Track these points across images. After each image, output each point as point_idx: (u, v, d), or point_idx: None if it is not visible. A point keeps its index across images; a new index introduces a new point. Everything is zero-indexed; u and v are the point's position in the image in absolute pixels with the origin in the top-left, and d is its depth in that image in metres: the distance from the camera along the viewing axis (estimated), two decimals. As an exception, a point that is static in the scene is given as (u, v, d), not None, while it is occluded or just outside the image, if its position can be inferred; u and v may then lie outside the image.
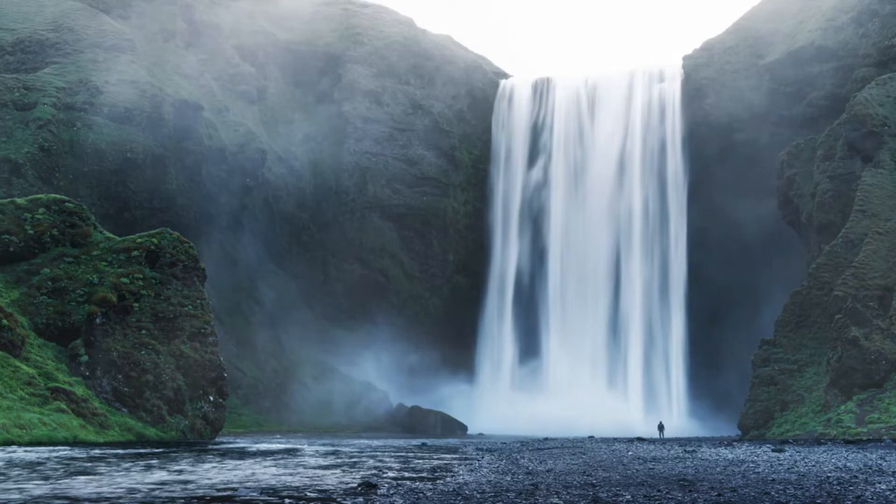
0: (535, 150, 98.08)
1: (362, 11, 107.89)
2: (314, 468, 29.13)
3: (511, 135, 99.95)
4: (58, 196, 57.55)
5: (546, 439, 59.82)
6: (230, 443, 49.47)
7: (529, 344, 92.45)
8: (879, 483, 22.84)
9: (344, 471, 28.11)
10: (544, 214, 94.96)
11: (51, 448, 36.78)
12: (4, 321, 45.97)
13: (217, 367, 53.24)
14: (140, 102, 75.68)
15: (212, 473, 26.40)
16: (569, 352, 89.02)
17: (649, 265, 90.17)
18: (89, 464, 28.92)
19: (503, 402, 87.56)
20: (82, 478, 24.09)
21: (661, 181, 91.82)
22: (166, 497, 20.13)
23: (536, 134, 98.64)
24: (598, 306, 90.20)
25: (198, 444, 45.99)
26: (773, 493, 20.89)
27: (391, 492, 21.01)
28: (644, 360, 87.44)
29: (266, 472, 26.95)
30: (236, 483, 23.32)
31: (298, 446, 45.54)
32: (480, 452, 41.35)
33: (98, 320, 49.59)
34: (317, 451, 40.11)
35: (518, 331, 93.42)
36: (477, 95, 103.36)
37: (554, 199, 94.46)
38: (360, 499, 19.51)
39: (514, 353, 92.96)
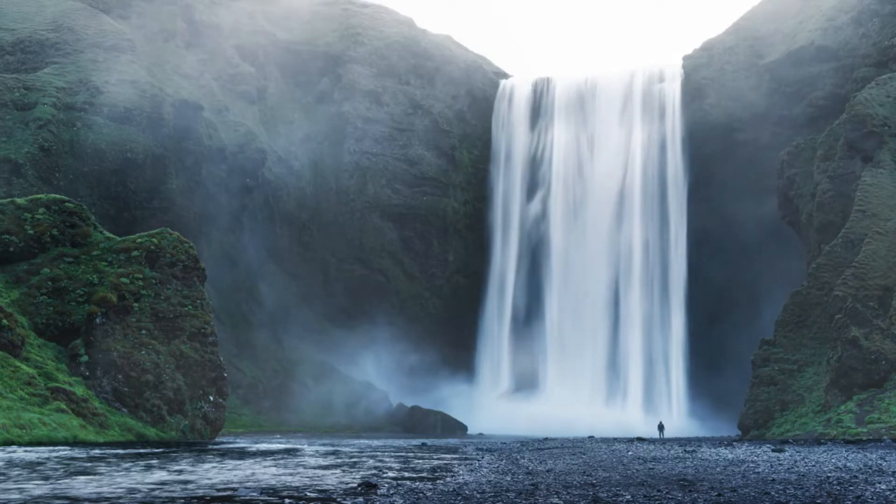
0: (536, 150, 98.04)
1: (362, 11, 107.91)
2: (314, 468, 29.13)
3: (511, 135, 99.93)
4: (58, 196, 57.54)
5: (546, 439, 59.80)
6: (230, 443, 49.47)
7: (530, 339, 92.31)
8: (879, 483, 22.84)
9: (344, 471, 28.11)
10: (545, 213, 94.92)
11: (51, 448, 36.78)
12: (4, 321, 45.97)
13: (217, 367, 53.24)
14: (140, 102, 75.67)
15: (212, 473, 26.40)
16: (569, 351, 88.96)
17: (649, 264, 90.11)
18: (89, 464, 28.92)
19: (503, 403, 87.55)
20: (82, 478, 24.09)
21: (662, 181, 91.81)
22: (166, 497, 20.13)
23: (536, 134, 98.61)
24: (597, 305, 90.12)
25: (198, 444, 45.99)
26: (773, 493, 20.89)
27: (391, 492, 21.00)
28: (644, 360, 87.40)
29: (266, 472, 26.94)
30: (236, 483, 23.32)
31: (298, 446, 45.53)
32: (480, 452, 41.35)
33: (98, 320, 49.59)
34: (317, 451, 40.11)
35: (518, 330, 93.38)
36: (477, 95, 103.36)
37: (554, 198, 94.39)
38: (360, 499, 19.50)
39: (513, 353, 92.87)
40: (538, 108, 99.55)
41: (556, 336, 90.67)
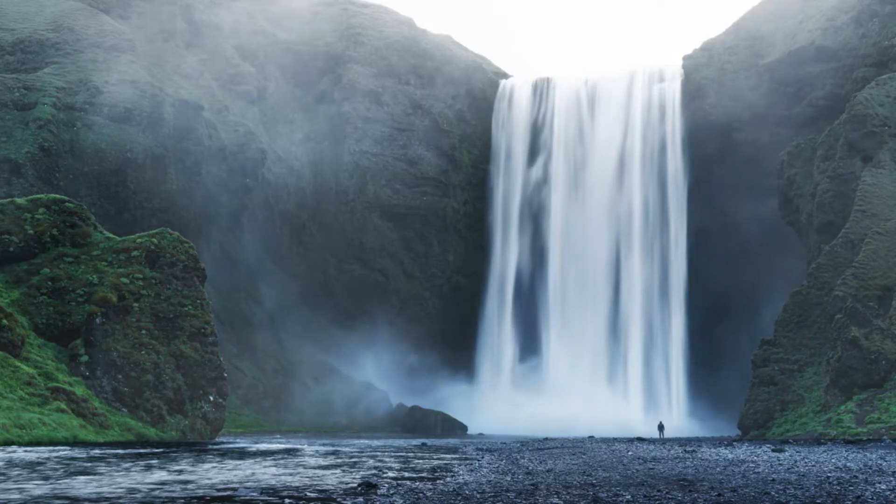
0: (535, 149, 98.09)
1: (362, 11, 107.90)
2: (314, 468, 29.13)
3: (511, 135, 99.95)
4: (58, 196, 57.53)
5: (546, 439, 59.81)
6: (230, 443, 49.47)
7: (529, 343, 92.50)
8: (879, 483, 22.84)
9: (344, 471, 28.10)
10: (544, 213, 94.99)
11: (51, 448, 36.77)
12: (4, 321, 45.97)
13: (217, 367, 53.24)
14: (140, 102, 75.66)
15: (212, 473, 26.40)
16: (569, 350, 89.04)
17: (649, 264, 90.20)
18: (89, 464, 28.91)
19: (503, 402, 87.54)
20: (82, 478, 24.09)
21: (661, 181, 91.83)
22: (166, 497, 20.13)
23: (536, 133, 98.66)
24: (597, 305, 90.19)
25: (198, 444, 45.98)
26: (773, 493, 20.89)
27: (391, 492, 21.00)
28: (644, 360, 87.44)
29: (266, 472, 26.94)
30: (236, 483, 23.32)
31: (298, 446, 45.53)
32: (480, 452, 41.35)
33: (98, 320, 49.58)
34: (317, 451, 40.11)
35: (518, 330, 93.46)
36: (477, 95, 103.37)
37: (554, 198, 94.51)
38: (360, 499, 19.51)
39: (513, 353, 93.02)
40: (538, 108, 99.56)
41: (558, 305, 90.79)
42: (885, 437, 48.52)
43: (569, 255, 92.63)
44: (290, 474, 26.40)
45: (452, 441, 61.42)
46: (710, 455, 36.33)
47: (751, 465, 30.18)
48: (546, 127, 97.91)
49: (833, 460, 32.07)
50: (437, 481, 24.24)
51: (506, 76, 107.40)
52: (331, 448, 44.08)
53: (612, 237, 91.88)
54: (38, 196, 56.92)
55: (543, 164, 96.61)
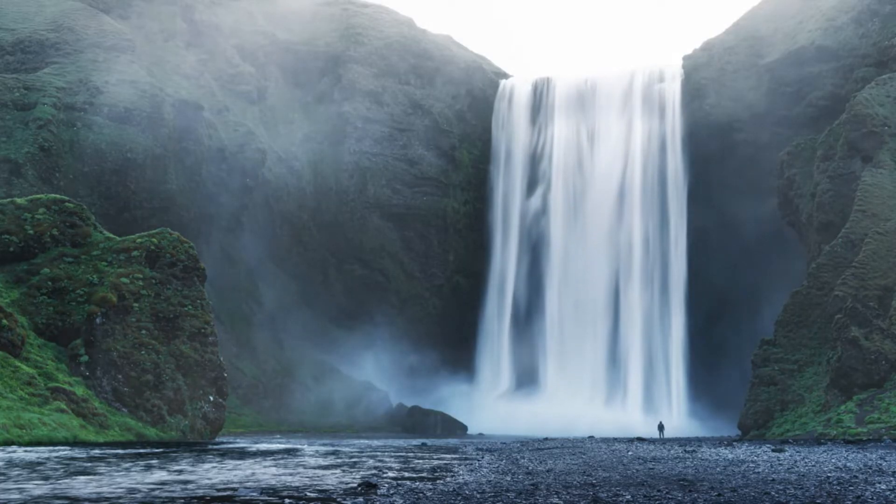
0: (536, 149, 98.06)
1: (362, 11, 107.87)
2: (314, 468, 29.13)
3: (511, 135, 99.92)
4: (58, 196, 57.54)
5: (546, 439, 59.79)
6: (230, 443, 49.47)
7: (531, 324, 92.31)
8: (879, 483, 22.84)
9: (344, 471, 28.10)
10: (545, 210, 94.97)
11: (51, 448, 36.77)
12: (4, 321, 45.97)
13: (217, 367, 53.25)
14: (140, 102, 75.66)
15: (212, 473, 26.40)
16: (571, 330, 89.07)
17: (649, 263, 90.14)
18: (89, 464, 28.91)
19: (503, 403, 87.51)
20: (82, 478, 24.09)
21: (662, 181, 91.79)
22: (166, 497, 20.13)
23: (536, 133, 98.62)
24: (598, 304, 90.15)
25: (198, 444, 45.98)
26: (773, 493, 20.89)
27: (391, 492, 21.01)
28: (644, 360, 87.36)
29: (266, 472, 26.94)
30: (236, 483, 23.32)
31: (298, 446, 45.53)
32: (480, 452, 41.34)
33: (98, 320, 49.58)
34: (317, 451, 40.11)
35: (518, 331, 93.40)
36: (477, 95, 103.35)
37: (554, 196, 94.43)
38: (360, 499, 19.51)
39: (513, 353, 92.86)
40: (538, 108, 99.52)
41: (556, 336, 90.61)
42: (885, 437, 48.51)
43: (569, 256, 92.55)
44: (290, 474, 26.40)
45: (452, 441, 61.42)
46: (710, 455, 36.33)
47: (751, 465, 30.17)
48: (546, 127, 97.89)
49: (833, 460, 32.07)
50: (437, 481, 24.24)
51: (506, 76, 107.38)
52: (331, 448, 44.08)
53: (612, 237, 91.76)
54: (38, 196, 56.94)
55: (544, 165, 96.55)
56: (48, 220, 53.98)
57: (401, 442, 56.37)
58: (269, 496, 20.20)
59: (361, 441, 56.69)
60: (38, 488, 21.44)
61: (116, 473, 25.55)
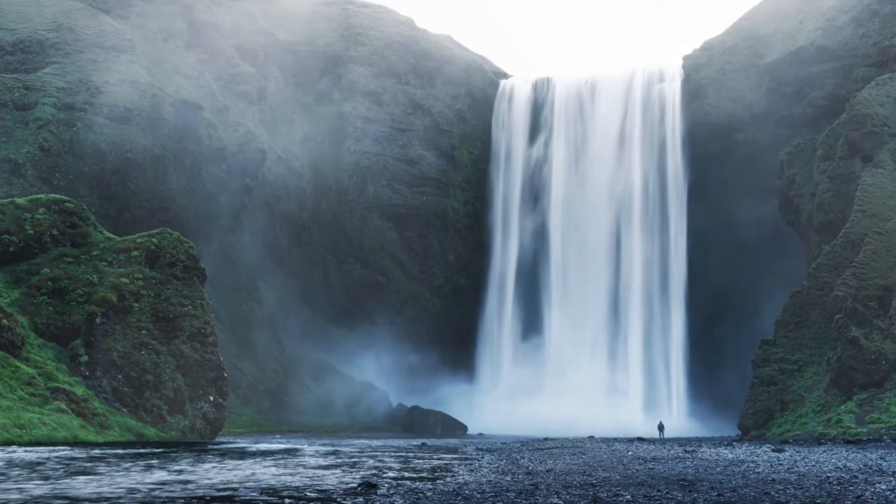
0: (535, 150, 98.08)
1: (362, 11, 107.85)
2: (314, 468, 29.13)
3: (511, 135, 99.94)
4: (58, 196, 57.54)
5: (546, 439, 59.80)
6: (230, 443, 49.46)
7: (532, 321, 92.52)
8: (879, 483, 22.84)
9: (344, 471, 28.10)
10: (545, 209, 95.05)
11: (51, 448, 36.76)
12: (4, 321, 45.97)
13: (217, 367, 53.24)
14: (140, 102, 75.67)
15: (212, 473, 26.39)
16: (571, 328, 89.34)
17: (649, 262, 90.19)
18: (89, 464, 28.91)
19: (503, 403, 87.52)
20: (82, 478, 24.08)
21: (662, 181, 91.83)
22: (166, 497, 20.13)
23: (536, 133, 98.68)
24: (598, 313, 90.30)
25: (198, 444, 45.98)
26: (773, 493, 20.89)
27: (391, 492, 21.01)
28: (644, 360, 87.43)
29: (266, 472, 26.94)
30: (236, 483, 23.32)
31: (298, 446, 45.52)
32: (480, 452, 41.35)
33: (98, 320, 49.58)
34: (317, 451, 40.10)
35: (518, 331, 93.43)
36: (477, 95, 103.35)
37: (554, 192, 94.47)
38: (360, 499, 19.51)
39: (513, 353, 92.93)
40: (538, 108, 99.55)
41: (556, 342, 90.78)
42: (885, 437, 48.51)
43: (569, 260, 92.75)
44: (290, 474, 26.40)
45: (452, 441, 61.42)
46: (710, 455, 36.33)
47: (751, 465, 30.18)
48: (546, 128, 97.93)
49: (833, 460, 32.07)
50: (437, 481, 24.24)
51: (506, 76, 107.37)
52: (331, 448, 44.08)
53: (612, 239, 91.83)
54: (38, 196, 56.93)
55: (544, 165, 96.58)
56: (48, 220, 53.98)
57: (401, 442, 56.36)
58: (270, 496, 20.20)
59: (361, 441, 56.69)
60: (38, 488, 21.43)
61: (116, 473, 25.55)
